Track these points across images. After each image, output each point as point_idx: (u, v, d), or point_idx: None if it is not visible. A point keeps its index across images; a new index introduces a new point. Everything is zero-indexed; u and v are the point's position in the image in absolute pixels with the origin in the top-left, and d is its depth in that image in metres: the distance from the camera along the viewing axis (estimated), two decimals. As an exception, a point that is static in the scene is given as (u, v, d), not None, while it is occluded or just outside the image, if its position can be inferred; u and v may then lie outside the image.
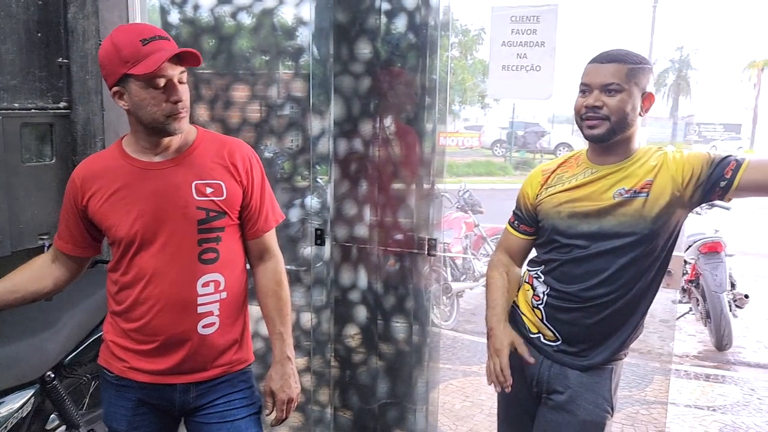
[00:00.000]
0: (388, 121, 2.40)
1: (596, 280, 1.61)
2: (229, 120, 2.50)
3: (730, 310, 4.81)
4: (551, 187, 1.70)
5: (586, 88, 1.59)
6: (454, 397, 3.70)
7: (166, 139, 1.51)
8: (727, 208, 5.91)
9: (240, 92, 2.52)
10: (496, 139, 21.68)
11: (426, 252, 2.36)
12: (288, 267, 2.51)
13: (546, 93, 2.12)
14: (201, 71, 2.50)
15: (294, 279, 2.51)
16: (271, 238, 1.68)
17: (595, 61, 1.60)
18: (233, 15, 2.45)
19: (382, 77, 2.34)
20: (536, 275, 1.73)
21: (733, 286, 5.03)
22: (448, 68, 2.51)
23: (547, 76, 2.10)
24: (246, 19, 2.48)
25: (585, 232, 1.62)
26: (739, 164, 1.51)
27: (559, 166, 1.73)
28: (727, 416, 3.59)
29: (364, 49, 2.34)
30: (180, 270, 1.49)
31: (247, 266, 1.68)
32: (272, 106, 2.48)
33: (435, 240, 2.36)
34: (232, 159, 1.56)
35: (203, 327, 1.53)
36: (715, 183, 1.53)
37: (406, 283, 2.43)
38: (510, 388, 1.72)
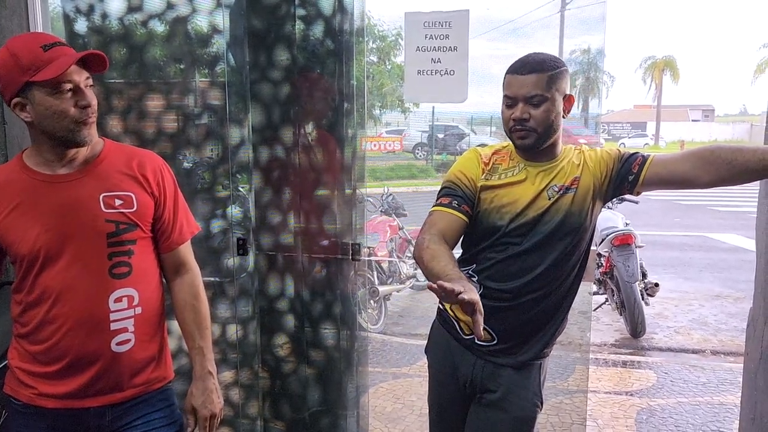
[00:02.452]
0: (309, 128, 2.39)
1: (530, 276, 1.65)
2: (144, 131, 2.42)
3: (643, 299, 5.09)
4: (490, 175, 1.71)
5: (510, 101, 1.63)
6: (385, 400, 3.73)
7: (73, 150, 1.45)
8: (636, 202, 6.27)
9: (154, 102, 2.45)
10: (418, 142, 21.99)
11: (350, 257, 2.37)
12: (212, 279, 2.47)
13: (460, 96, 2.18)
14: (112, 81, 2.41)
15: (218, 291, 2.46)
16: (187, 250, 1.64)
17: (515, 72, 1.62)
18: (144, 23, 2.38)
19: (301, 84, 2.33)
20: (468, 275, 1.73)
21: (644, 275, 5.32)
22: (364, 73, 2.53)
23: (460, 80, 2.16)
24: (159, 27, 2.41)
25: (520, 230, 1.66)
26: (644, 160, 1.63)
27: (494, 154, 1.74)
28: (644, 400, 3.79)
29: (282, 56, 2.33)
30: (90, 286, 1.43)
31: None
32: (189, 115, 2.42)
33: (359, 245, 2.38)
34: (142, 170, 1.52)
35: (117, 344, 1.47)
36: (624, 178, 1.64)
37: (333, 289, 2.43)
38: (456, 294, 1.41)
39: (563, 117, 1.64)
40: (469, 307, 1.34)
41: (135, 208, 1.49)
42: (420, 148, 21.74)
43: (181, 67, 2.44)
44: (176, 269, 1.63)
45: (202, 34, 2.40)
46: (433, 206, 1.73)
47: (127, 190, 1.48)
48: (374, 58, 18.33)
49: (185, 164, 2.46)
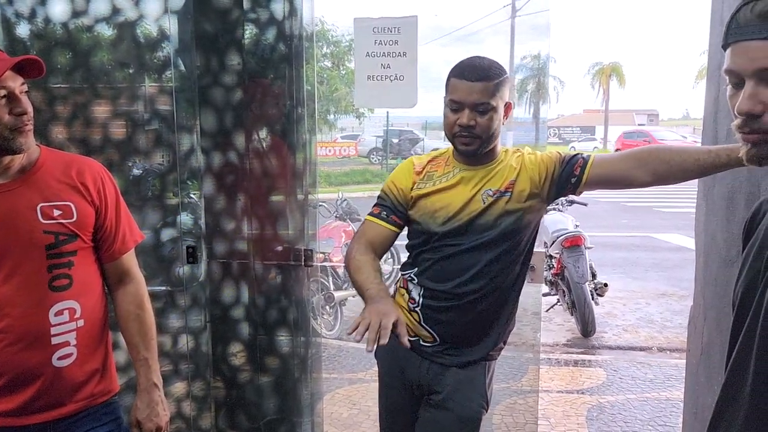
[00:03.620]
0: (263, 133, 2.38)
1: (468, 276, 1.69)
2: (90, 138, 2.36)
3: (593, 299, 5.23)
4: (423, 183, 1.74)
5: (457, 106, 1.65)
6: (341, 406, 3.72)
7: (7, 159, 1.39)
8: (585, 204, 6.43)
9: (101, 108, 2.39)
10: (373, 147, 22.06)
11: (303, 263, 2.37)
12: (162, 288, 2.42)
13: (410, 102, 2.20)
14: (56, 86, 2.35)
15: (169, 301, 2.41)
16: (130, 259, 1.60)
17: (463, 77, 1.63)
18: (90, 28, 2.32)
19: (253, 89, 2.32)
20: (410, 278, 1.78)
21: (594, 276, 5.46)
22: (316, 78, 2.53)
23: (410, 85, 2.18)
24: (106, 32, 2.36)
25: (456, 231, 1.69)
26: (585, 161, 1.69)
27: (429, 162, 1.78)
28: (594, 397, 3.89)
29: (234, 60, 2.31)
30: (29, 300, 1.39)
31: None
32: (138, 122, 2.38)
33: (311, 250, 2.37)
34: (81, 178, 1.48)
35: (59, 359, 1.43)
36: (567, 179, 1.69)
37: (288, 295, 2.42)
38: (374, 347, 1.50)
39: (503, 124, 1.68)
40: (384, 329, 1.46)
41: (75, 219, 1.45)
42: (375, 153, 21.81)
43: (129, 72, 2.39)
44: (119, 279, 1.59)
45: (150, 39, 2.36)
46: (367, 214, 1.82)
47: (66, 200, 1.44)
48: (328, 64, 18.31)
49: (135, 171, 2.41)
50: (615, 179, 1.68)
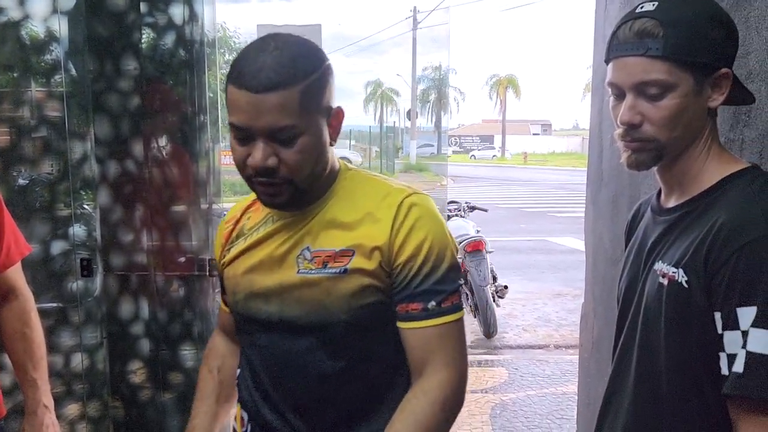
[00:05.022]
0: (163, 141, 2.30)
1: (305, 383, 1.10)
2: (-31, 145, 2.19)
3: (494, 301, 5.43)
4: (232, 245, 1.19)
5: (242, 134, 1.00)
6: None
7: None
8: (485, 210, 6.68)
9: (-19, 114, 2.23)
10: (278, 155, 21.80)
11: (207, 273, 2.31)
12: (53, 305, 2.28)
13: None
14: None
15: (61, 318, 2.27)
16: (16, 274, 1.50)
17: (244, 86, 0.97)
18: (-33, 27, 2.16)
19: (152, 95, 2.24)
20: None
21: (495, 279, 5.68)
22: (218, 86, 2.49)
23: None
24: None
25: (263, 317, 1.12)
26: (422, 314, 1.08)
27: (245, 212, 1.21)
28: (497, 395, 4.04)
29: (130, 65, 2.23)
30: None
31: None
32: (23, 128, 2.23)
33: (214, 260, 2.32)
34: None
35: None
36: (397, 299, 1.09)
37: (192, 308, 2.35)
38: None
39: (332, 142, 1.07)
40: None
41: None
42: (279, 160, 21.56)
43: (14, 75, 2.24)
44: (4, 295, 1.48)
45: (37, 41, 2.22)
46: None
47: None
48: (230, 70, 17.95)
49: (20, 181, 2.26)
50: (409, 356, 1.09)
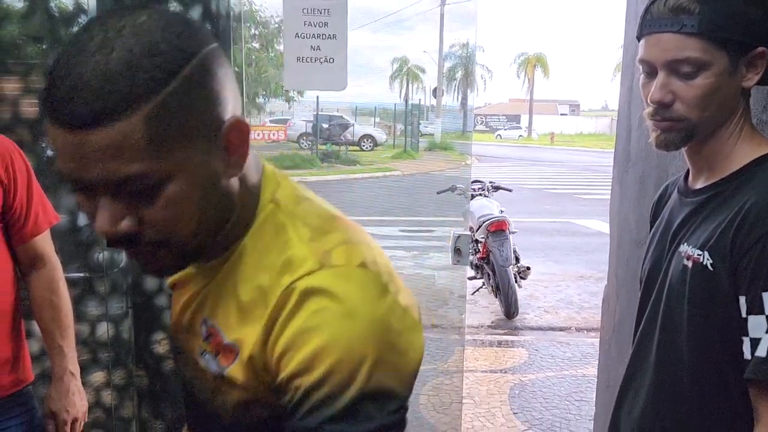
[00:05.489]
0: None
1: None
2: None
3: (516, 282, 5.41)
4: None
5: (83, 188, 0.64)
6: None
7: None
8: (510, 190, 6.63)
9: (11, 85, 2.26)
10: (302, 132, 21.87)
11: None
12: (80, 275, 2.33)
13: (340, 84, 2.19)
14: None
15: (87, 288, 2.32)
16: (44, 242, 1.52)
17: (54, 119, 0.59)
18: (-3, -2, 2.19)
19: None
20: None
21: (517, 260, 5.65)
22: (243, 60, 2.49)
23: (340, 68, 2.17)
24: (16, 4, 2.22)
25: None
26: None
27: None
28: (516, 376, 4.04)
29: (156, 40, 2.23)
30: None
31: None
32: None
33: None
34: None
35: None
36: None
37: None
38: None
39: (233, 174, 0.69)
40: None
41: None
42: (305, 137, 21.62)
43: (42, 47, 2.27)
44: (32, 263, 1.51)
45: (66, 13, 2.24)
46: None
47: None
48: (256, 45, 17.94)
49: (49, 152, 2.29)
50: None
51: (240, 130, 0.67)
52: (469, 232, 5.36)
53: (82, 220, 2.33)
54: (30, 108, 2.28)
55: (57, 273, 1.55)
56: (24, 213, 1.46)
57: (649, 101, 0.96)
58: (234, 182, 0.70)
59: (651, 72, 0.96)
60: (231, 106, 0.67)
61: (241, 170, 0.69)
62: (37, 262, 1.52)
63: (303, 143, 21.49)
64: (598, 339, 4.51)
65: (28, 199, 1.46)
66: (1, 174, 1.41)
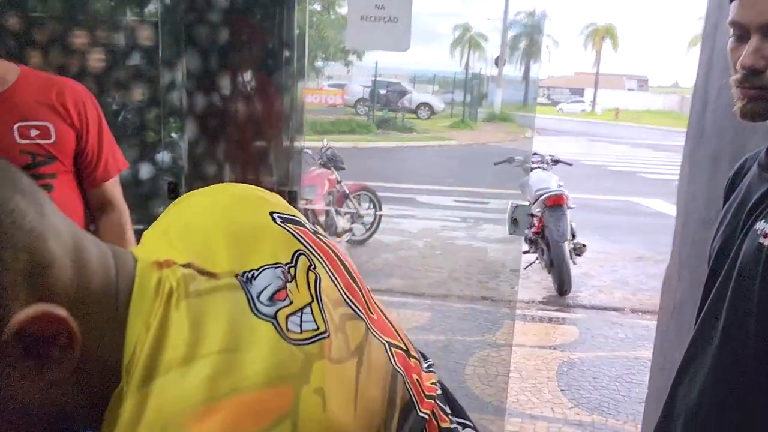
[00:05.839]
0: (248, 76, 2.33)
1: None
2: (68, 69, 2.29)
3: (571, 258, 5.29)
4: None
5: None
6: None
7: None
8: (570, 164, 6.46)
9: (80, 39, 2.32)
10: (360, 97, 21.83)
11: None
12: (140, 227, 2.39)
13: (404, 45, 2.15)
14: (35, 14, 2.26)
15: (147, 239, 2.39)
16: (113, 188, 1.58)
17: None
18: (68, -49, 2.23)
19: (241, 29, 2.25)
20: None
21: (573, 236, 5.52)
22: (307, 22, 2.47)
23: (404, 28, 2.12)
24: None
25: None
26: None
27: None
28: (566, 353, 3.98)
29: (221, -2, 2.23)
30: None
31: None
32: (118, 55, 2.31)
33: (295, 192, 2.35)
34: (61, 99, 1.44)
35: None
36: None
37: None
38: None
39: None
40: None
41: (53, 140, 1.42)
42: (362, 103, 21.59)
43: (111, 3, 2.31)
44: (101, 207, 1.57)
45: (133, -32, 2.27)
46: None
47: (43, 120, 1.41)
48: (318, 7, 17.88)
49: (113, 107, 2.35)
50: None
51: (48, 321, 0.46)
52: (527, 203, 5.25)
53: (144, 173, 2.39)
54: (97, 63, 2.33)
55: (124, 218, 1.60)
56: (95, 158, 1.51)
57: (738, 67, 0.89)
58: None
59: (743, 35, 0.89)
60: (24, 294, 0.45)
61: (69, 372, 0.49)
62: (106, 207, 1.58)
63: (360, 109, 21.47)
64: (654, 322, 4.39)
65: (99, 145, 1.51)
66: (75, 119, 1.45)
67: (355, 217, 6.21)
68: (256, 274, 0.57)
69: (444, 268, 5.72)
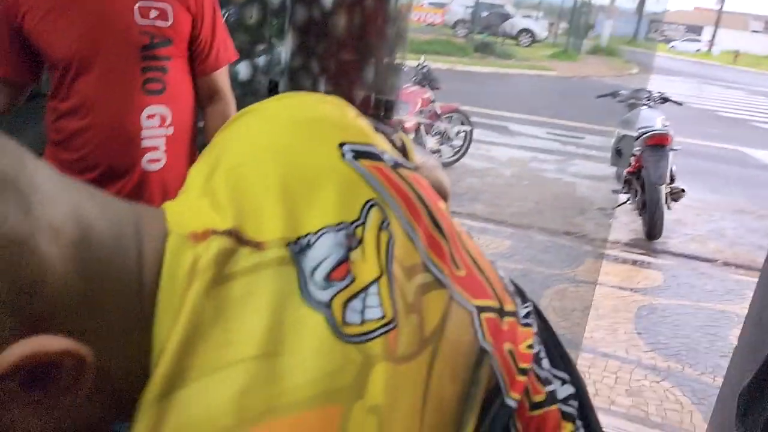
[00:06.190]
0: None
1: None
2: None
3: (666, 203, 5.03)
4: None
5: None
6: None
7: None
8: (680, 103, 6.03)
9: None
10: (459, 18, 21.07)
11: (383, 113, 2.33)
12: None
13: None
14: None
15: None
16: (222, 77, 1.62)
17: None
18: None
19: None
20: None
21: (672, 179, 5.21)
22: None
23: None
24: None
25: None
26: None
27: None
28: (647, 297, 3.86)
29: None
30: (122, 99, 1.43)
31: None
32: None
33: (392, 102, 2.32)
34: None
35: (148, 162, 1.48)
36: None
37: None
38: None
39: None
40: None
41: (170, 23, 1.45)
42: (461, 24, 20.85)
43: None
44: (210, 96, 1.62)
45: None
46: None
47: (163, 2, 1.44)
48: None
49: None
50: None
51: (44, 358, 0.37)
52: (634, 134, 4.97)
53: (244, 74, 2.42)
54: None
55: (230, 108, 1.65)
56: (208, 45, 1.55)
57: None
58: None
59: None
60: (10, 326, 0.35)
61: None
62: (215, 95, 1.62)
63: (459, 30, 20.77)
64: (747, 277, 4.17)
65: (212, 33, 1.54)
66: (191, 4, 1.48)
67: (445, 139, 6.12)
68: (312, 241, 0.46)
69: (529, 199, 5.60)
